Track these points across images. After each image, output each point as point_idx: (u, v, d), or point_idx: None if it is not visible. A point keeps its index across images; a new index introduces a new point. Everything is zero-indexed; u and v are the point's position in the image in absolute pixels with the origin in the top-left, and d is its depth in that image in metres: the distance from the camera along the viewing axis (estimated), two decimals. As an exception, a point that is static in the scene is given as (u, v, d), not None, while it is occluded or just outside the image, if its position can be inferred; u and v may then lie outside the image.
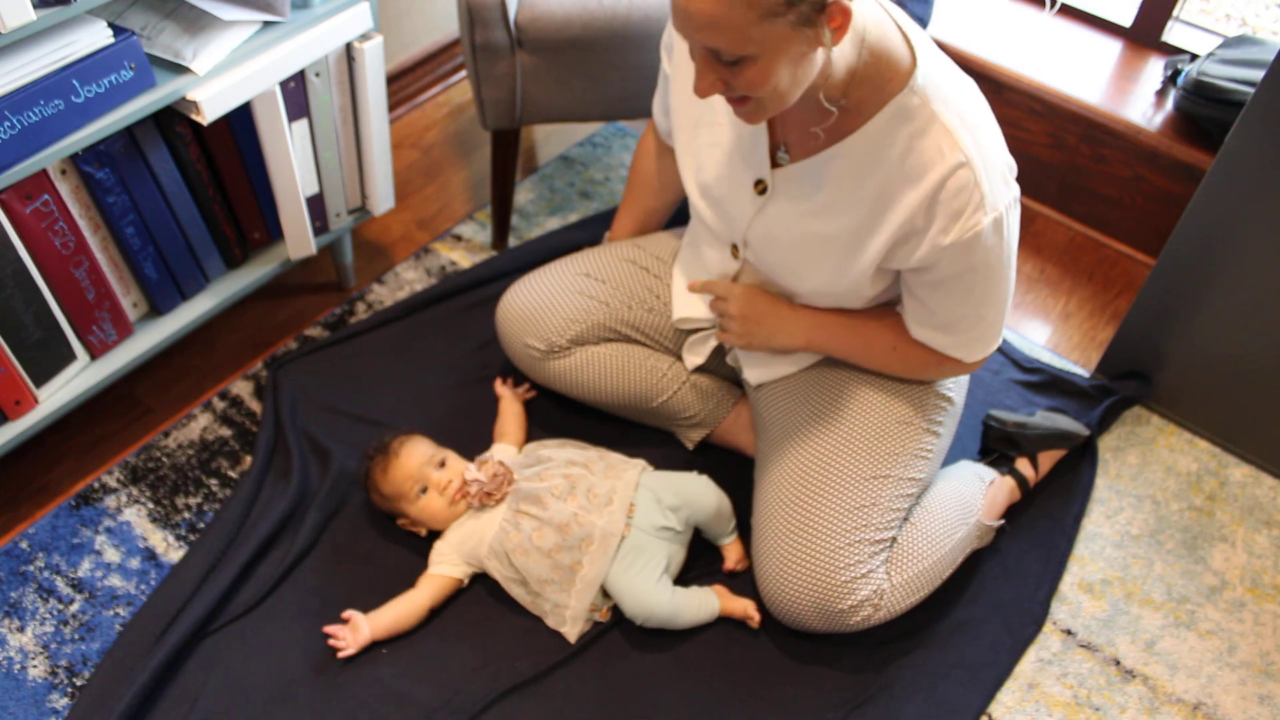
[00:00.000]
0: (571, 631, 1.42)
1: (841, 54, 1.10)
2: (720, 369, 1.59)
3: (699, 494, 1.46)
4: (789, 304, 1.39)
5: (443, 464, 1.47)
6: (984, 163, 1.14)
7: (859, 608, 1.32)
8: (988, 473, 1.52)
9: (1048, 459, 1.60)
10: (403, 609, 1.42)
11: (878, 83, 1.13)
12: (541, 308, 1.54)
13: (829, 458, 1.36)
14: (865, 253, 1.23)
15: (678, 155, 1.40)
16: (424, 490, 1.45)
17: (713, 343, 1.52)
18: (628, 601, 1.39)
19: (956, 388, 1.45)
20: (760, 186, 1.29)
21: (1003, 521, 1.51)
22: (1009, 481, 1.55)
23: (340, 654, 1.39)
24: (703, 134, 1.33)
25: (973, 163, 1.13)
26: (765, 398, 1.47)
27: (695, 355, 1.55)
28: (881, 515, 1.34)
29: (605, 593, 1.43)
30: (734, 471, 1.59)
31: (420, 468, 1.45)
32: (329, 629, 1.42)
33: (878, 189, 1.18)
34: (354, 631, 1.40)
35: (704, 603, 1.43)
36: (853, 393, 1.39)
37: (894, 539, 1.36)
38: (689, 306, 1.51)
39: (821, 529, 1.32)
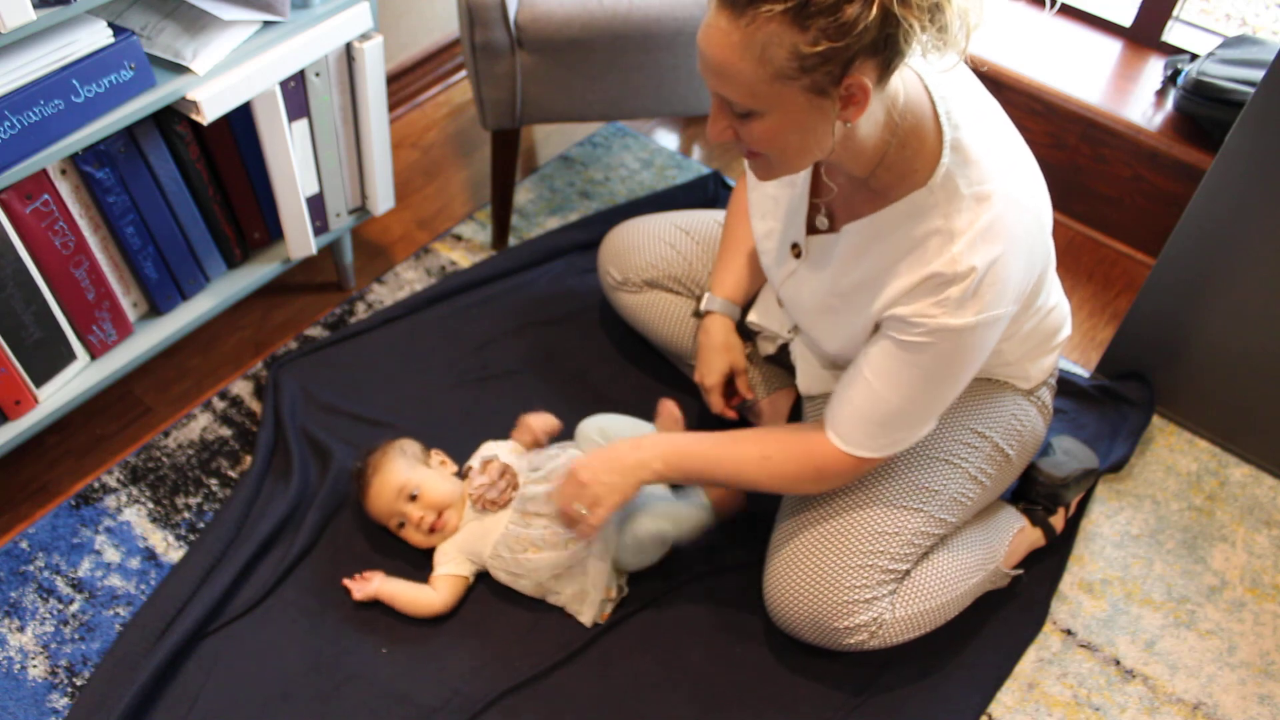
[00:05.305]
0: (588, 614, 1.43)
1: (870, 135, 1.08)
2: (786, 361, 1.60)
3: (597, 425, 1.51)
4: (630, 442, 1.35)
5: (414, 498, 1.44)
6: (981, 278, 1.09)
7: (855, 630, 1.32)
8: (1018, 520, 1.50)
9: (1075, 502, 1.60)
10: (414, 591, 1.44)
11: (903, 171, 1.11)
12: (630, 247, 1.65)
13: (865, 478, 1.34)
14: (866, 332, 1.23)
15: (749, 199, 1.40)
16: (401, 525, 1.46)
17: (780, 343, 1.53)
18: (631, 531, 1.39)
19: (1018, 446, 1.42)
20: (796, 250, 1.29)
21: (1020, 571, 1.50)
22: (1037, 531, 1.53)
23: (351, 590, 1.45)
24: (767, 186, 1.33)
25: (961, 279, 1.09)
26: (817, 407, 1.47)
27: (768, 345, 1.56)
28: (901, 547, 1.32)
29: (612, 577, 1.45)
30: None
31: (393, 503, 1.45)
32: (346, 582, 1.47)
33: (872, 273, 1.17)
34: (365, 582, 1.44)
35: (694, 503, 1.45)
36: None
37: (907, 572, 1.35)
38: (764, 315, 1.51)
39: (838, 544, 1.31)
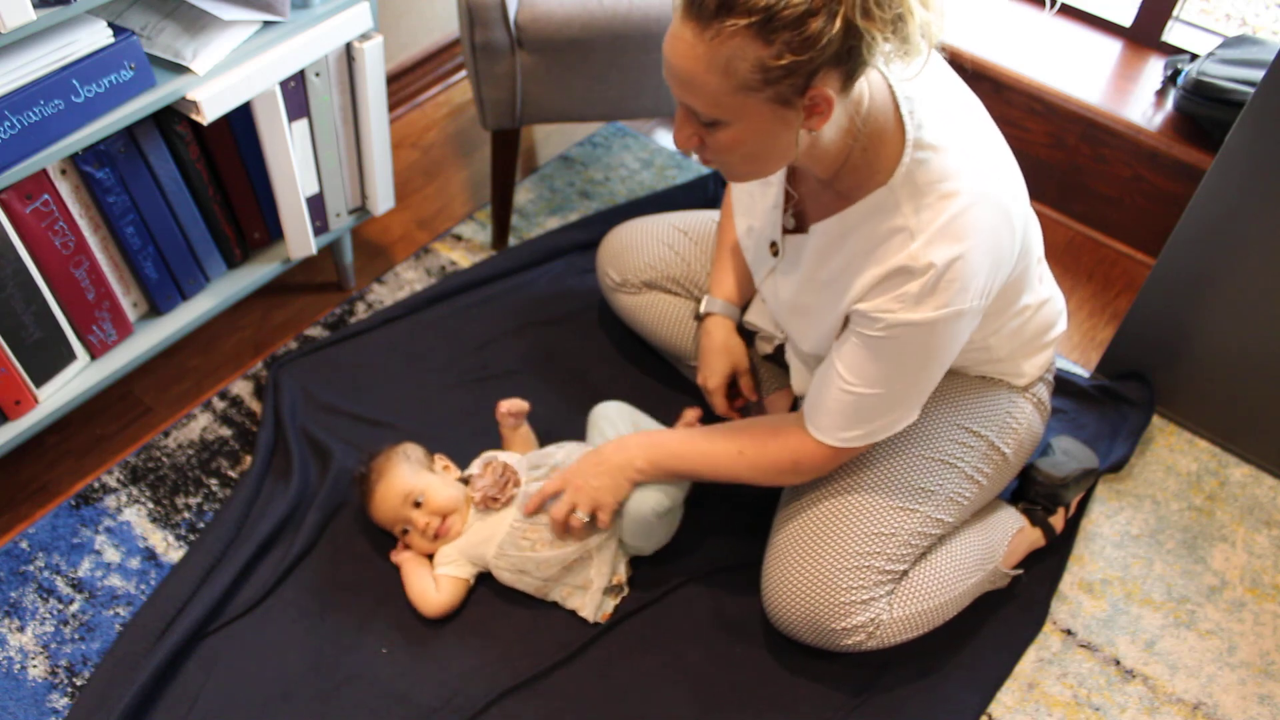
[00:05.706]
0: (590, 605, 1.43)
1: (833, 140, 1.09)
2: (784, 360, 1.61)
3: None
4: (614, 443, 1.39)
5: (419, 504, 1.44)
6: (940, 274, 1.10)
7: (852, 631, 1.32)
8: (1018, 520, 1.50)
9: (1075, 502, 1.60)
10: (425, 582, 1.44)
11: (866, 172, 1.13)
12: (628, 247, 1.65)
13: (859, 479, 1.34)
14: (836, 330, 1.24)
15: (732, 197, 1.41)
16: (406, 531, 1.46)
17: (777, 343, 1.53)
18: (630, 514, 1.39)
19: (1014, 443, 1.42)
20: (774, 248, 1.31)
21: (1020, 571, 1.50)
22: (1036, 531, 1.52)
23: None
24: (745, 184, 1.34)
25: (919, 274, 1.10)
26: None
27: (765, 346, 1.57)
28: (897, 548, 1.32)
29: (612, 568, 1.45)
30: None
31: (398, 509, 1.44)
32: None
33: (839, 272, 1.19)
34: (400, 551, 1.49)
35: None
36: None
37: (905, 573, 1.35)
38: (760, 315, 1.52)
39: (834, 546, 1.31)
